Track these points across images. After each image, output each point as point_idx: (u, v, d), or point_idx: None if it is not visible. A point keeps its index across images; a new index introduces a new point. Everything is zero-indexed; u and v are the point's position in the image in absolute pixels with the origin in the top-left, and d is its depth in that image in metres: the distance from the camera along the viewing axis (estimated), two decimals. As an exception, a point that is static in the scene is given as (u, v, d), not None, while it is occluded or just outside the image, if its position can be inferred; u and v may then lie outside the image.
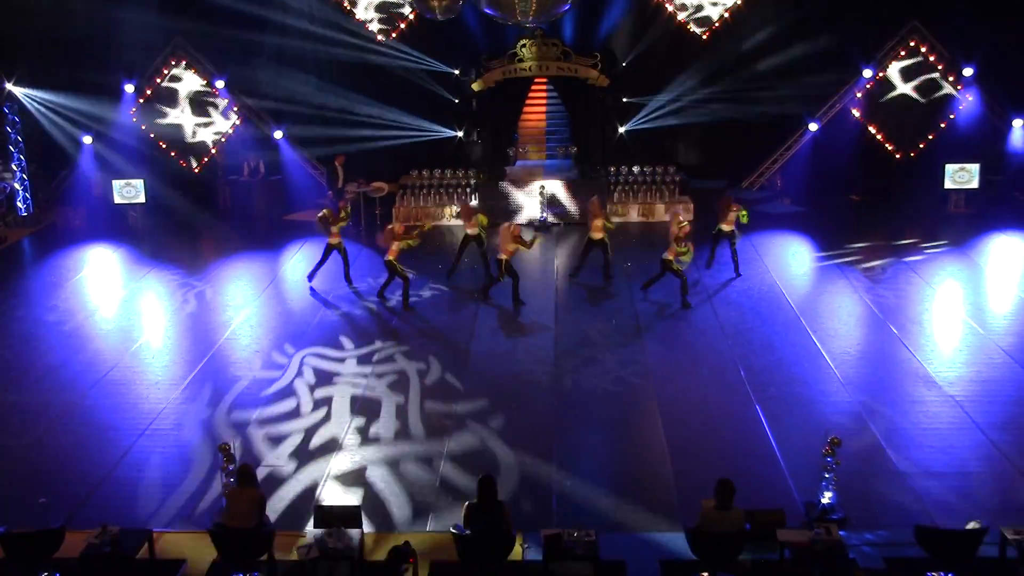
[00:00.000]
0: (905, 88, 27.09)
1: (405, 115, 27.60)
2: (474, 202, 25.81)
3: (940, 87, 27.00)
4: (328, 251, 21.18)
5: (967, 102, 26.80)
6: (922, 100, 27.06)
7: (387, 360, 17.37)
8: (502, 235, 19.87)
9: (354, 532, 10.80)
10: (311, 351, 17.81)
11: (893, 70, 27.01)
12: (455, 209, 26.09)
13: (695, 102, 27.38)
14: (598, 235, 20.91)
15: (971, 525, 10.67)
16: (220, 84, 27.25)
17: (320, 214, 21.11)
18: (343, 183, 26.49)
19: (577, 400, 15.65)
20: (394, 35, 27.60)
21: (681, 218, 20.19)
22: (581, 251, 21.66)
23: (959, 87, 26.76)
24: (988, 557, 10.73)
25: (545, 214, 25.97)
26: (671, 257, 19.40)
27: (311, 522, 11.58)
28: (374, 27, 27.53)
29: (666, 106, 27.64)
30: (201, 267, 23.16)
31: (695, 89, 27.44)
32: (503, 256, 19.71)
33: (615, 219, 24.45)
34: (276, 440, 14.40)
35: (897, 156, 27.47)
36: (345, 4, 27.35)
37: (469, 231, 21.42)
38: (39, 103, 26.75)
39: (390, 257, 19.87)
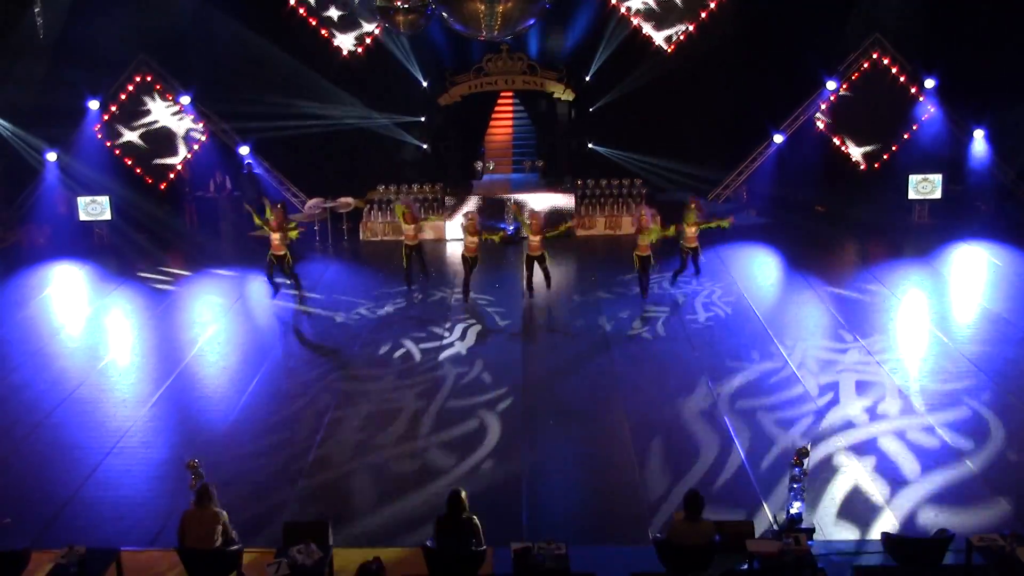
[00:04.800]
0: (867, 99, 27.36)
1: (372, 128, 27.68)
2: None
3: (902, 98, 27.26)
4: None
5: (929, 113, 27.09)
6: (884, 111, 27.33)
7: (353, 374, 17.39)
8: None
9: (323, 548, 10.75)
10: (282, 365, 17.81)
11: (856, 81, 27.28)
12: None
13: (660, 114, 27.48)
14: (536, 252, 20.84)
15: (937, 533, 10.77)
16: (185, 100, 27.16)
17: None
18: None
19: (545, 412, 15.67)
20: (361, 49, 27.61)
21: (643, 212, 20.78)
22: (525, 270, 21.43)
23: (921, 98, 27.04)
24: (955, 564, 10.82)
25: (512, 228, 26.00)
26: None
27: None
28: (342, 44, 27.57)
29: (630, 119, 27.77)
30: (168, 284, 23.02)
31: (659, 101, 27.51)
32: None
33: (580, 232, 24.58)
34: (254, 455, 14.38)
35: (861, 167, 27.72)
36: (313, 23, 27.37)
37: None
38: (1, 120, 26.51)
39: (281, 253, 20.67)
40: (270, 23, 26.98)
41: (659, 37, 27.76)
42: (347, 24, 27.48)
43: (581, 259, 24.44)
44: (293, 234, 20.99)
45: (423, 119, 28.09)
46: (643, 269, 20.65)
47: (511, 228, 25.89)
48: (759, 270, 23.25)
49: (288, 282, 21.45)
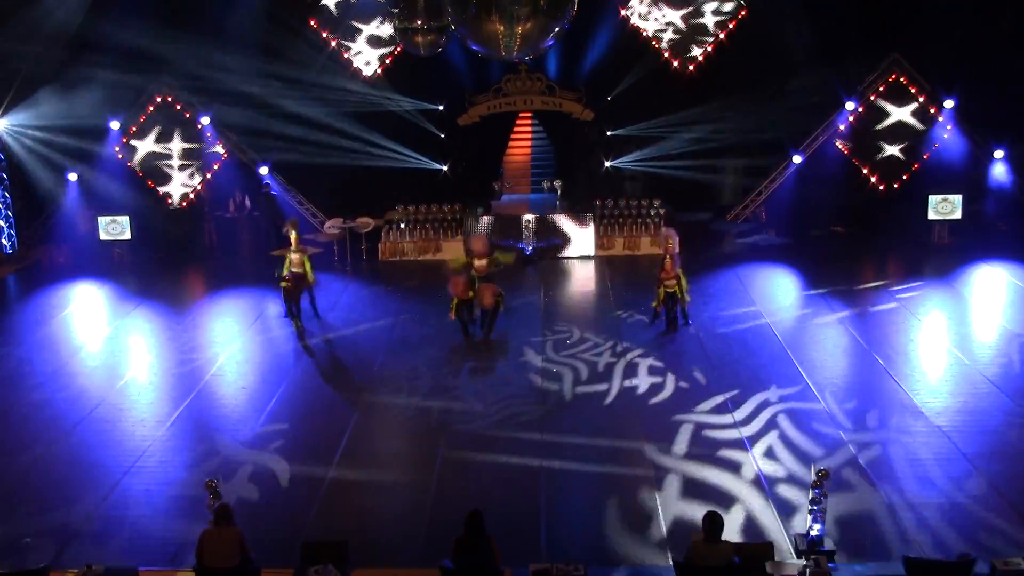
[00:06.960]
0: (887, 120, 27.28)
1: (391, 147, 27.66)
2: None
3: (922, 119, 27.17)
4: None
5: (948, 133, 27.00)
6: (904, 132, 27.23)
7: (387, 384, 17.40)
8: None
9: (342, 569, 10.72)
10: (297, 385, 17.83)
11: (875, 102, 27.20)
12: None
13: (679, 135, 27.45)
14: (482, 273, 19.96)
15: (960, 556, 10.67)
16: (205, 120, 27.26)
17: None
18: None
19: (565, 432, 15.62)
20: (379, 72, 27.71)
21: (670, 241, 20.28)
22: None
23: (940, 118, 26.94)
24: (978, 588, 10.73)
25: (530, 248, 26.01)
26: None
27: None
28: (360, 65, 27.70)
29: (650, 139, 27.76)
30: (187, 304, 23.10)
31: (679, 122, 27.49)
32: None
33: (599, 252, 24.54)
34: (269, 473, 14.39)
35: (880, 187, 27.61)
36: (332, 43, 27.50)
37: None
38: (24, 140, 26.65)
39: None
40: (291, 44, 27.09)
41: (678, 58, 27.77)
42: (367, 45, 27.61)
43: (601, 279, 24.44)
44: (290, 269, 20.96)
45: (442, 135, 28.12)
46: (671, 301, 19.99)
47: (528, 248, 25.89)
48: (779, 290, 23.18)
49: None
